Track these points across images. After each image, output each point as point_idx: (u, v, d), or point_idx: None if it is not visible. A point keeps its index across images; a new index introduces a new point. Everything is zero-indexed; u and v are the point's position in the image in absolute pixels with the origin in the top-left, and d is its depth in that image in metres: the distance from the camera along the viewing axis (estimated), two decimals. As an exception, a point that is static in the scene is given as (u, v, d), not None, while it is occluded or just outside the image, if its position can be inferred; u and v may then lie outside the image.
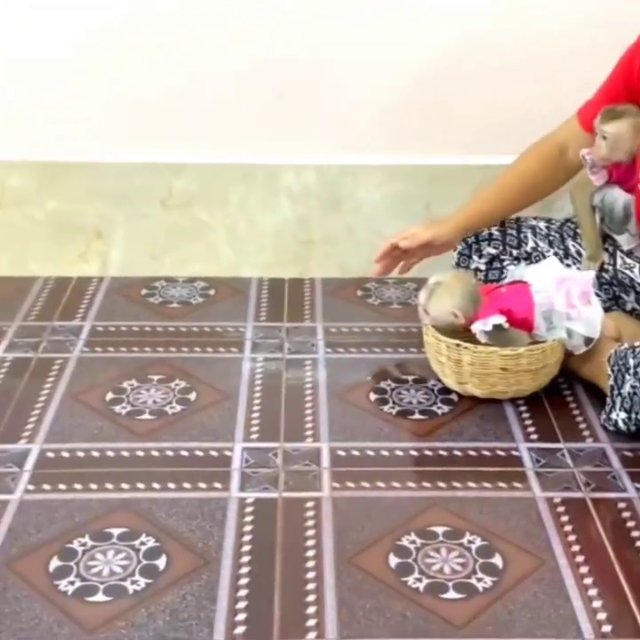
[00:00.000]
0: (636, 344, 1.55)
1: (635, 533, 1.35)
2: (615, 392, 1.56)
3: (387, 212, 2.07)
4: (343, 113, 2.02)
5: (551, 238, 1.82)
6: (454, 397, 1.67)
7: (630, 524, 1.37)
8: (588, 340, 1.64)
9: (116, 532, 1.33)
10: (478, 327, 1.63)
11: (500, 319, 1.61)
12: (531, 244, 1.83)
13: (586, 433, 1.58)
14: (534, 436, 1.57)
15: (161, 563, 1.27)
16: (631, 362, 1.53)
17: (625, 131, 1.64)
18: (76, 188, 2.04)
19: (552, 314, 1.63)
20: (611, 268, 1.76)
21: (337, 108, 2.02)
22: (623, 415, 1.55)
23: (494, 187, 1.83)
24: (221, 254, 2.11)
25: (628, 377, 1.53)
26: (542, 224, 1.85)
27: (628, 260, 1.75)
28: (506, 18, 1.94)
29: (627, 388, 1.53)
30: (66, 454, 1.49)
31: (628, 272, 1.74)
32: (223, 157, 2.04)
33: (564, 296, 1.64)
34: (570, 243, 1.81)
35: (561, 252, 1.79)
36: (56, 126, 2.01)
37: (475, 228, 1.81)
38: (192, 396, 1.66)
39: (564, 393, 1.69)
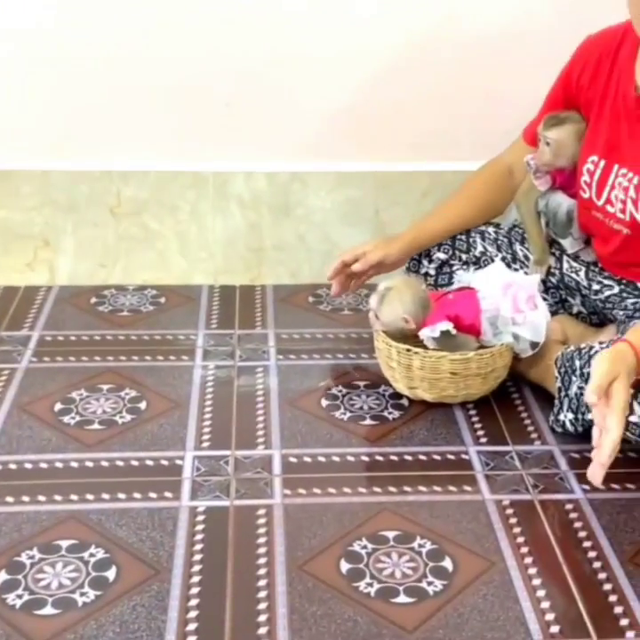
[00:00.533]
0: (582, 346, 1.57)
1: (582, 534, 1.37)
2: (562, 394, 1.58)
3: (337, 219, 2.08)
4: (292, 119, 2.02)
5: (499, 243, 1.84)
6: (405, 402, 1.68)
7: (577, 524, 1.39)
8: (533, 345, 1.66)
9: (64, 544, 1.31)
10: (426, 333, 1.64)
11: (448, 325, 1.63)
12: (479, 248, 1.85)
13: (534, 435, 1.60)
14: (483, 440, 1.58)
15: (111, 574, 1.27)
16: (577, 363, 1.55)
17: (567, 137, 1.67)
18: (23, 195, 2.02)
19: (498, 319, 1.65)
20: (557, 271, 1.79)
21: (286, 114, 2.02)
22: (570, 416, 1.57)
23: (444, 207, 1.86)
24: (172, 262, 2.10)
25: (574, 378, 1.55)
26: (491, 229, 1.87)
27: (574, 264, 1.78)
28: (454, 25, 1.96)
29: (573, 390, 1.55)
30: (13, 466, 1.48)
31: (573, 275, 1.77)
32: (173, 165, 2.03)
33: (510, 301, 1.66)
34: (517, 247, 1.83)
35: (509, 257, 1.82)
36: (1, 134, 1.99)
37: (424, 246, 1.84)
38: (142, 405, 1.65)
39: (513, 396, 1.71)
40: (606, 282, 1.72)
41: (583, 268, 1.76)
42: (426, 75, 2.00)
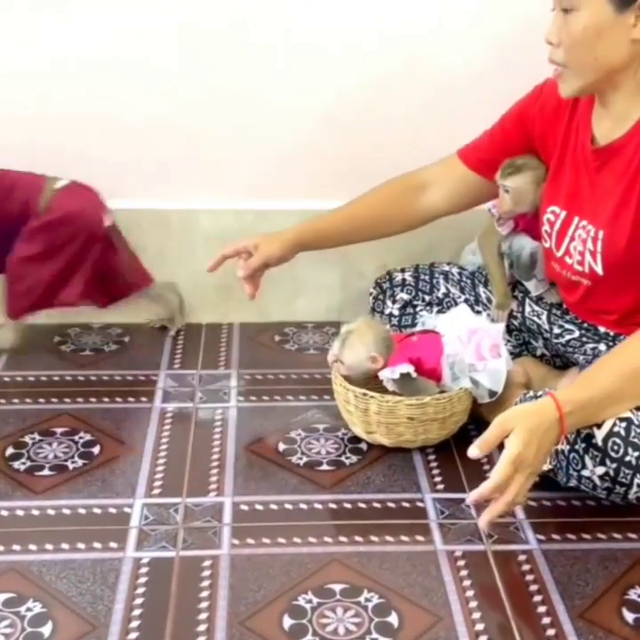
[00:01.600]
0: (539, 392, 1.54)
1: (533, 587, 1.33)
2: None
3: (304, 256, 2.05)
4: (257, 157, 2.01)
5: (463, 284, 1.82)
6: (363, 447, 1.66)
7: (529, 577, 1.35)
8: (491, 393, 1.64)
9: (1, 597, 1.29)
10: (386, 375, 1.62)
11: (408, 368, 1.60)
12: (442, 289, 1.83)
13: (493, 482, 1.57)
14: (440, 486, 1.56)
15: (46, 630, 1.23)
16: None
17: (525, 184, 1.65)
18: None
19: (457, 365, 1.63)
20: (519, 314, 1.77)
21: (251, 152, 2.01)
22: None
23: (338, 211, 1.82)
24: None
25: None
26: (455, 270, 1.85)
27: (536, 308, 1.75)
28: (415, 67, 1.96)
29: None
30: (-42, 514, 1.46)
31: (535, 319, 1.75)
32: (137, 203, 2.02)
33: (473, 348, 1.64)
34: (481, 289, 1.81)
35: (472, 299, 1.80)
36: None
37: (309, 246, 1.80)
38: (96, 450, 1.63)
39: (474, 440, 1.68)
40: (567, 325, 1.70)
41: (545, 312, 1.74)
42: (388, 114, 2.00)
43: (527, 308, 1.76)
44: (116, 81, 1.94)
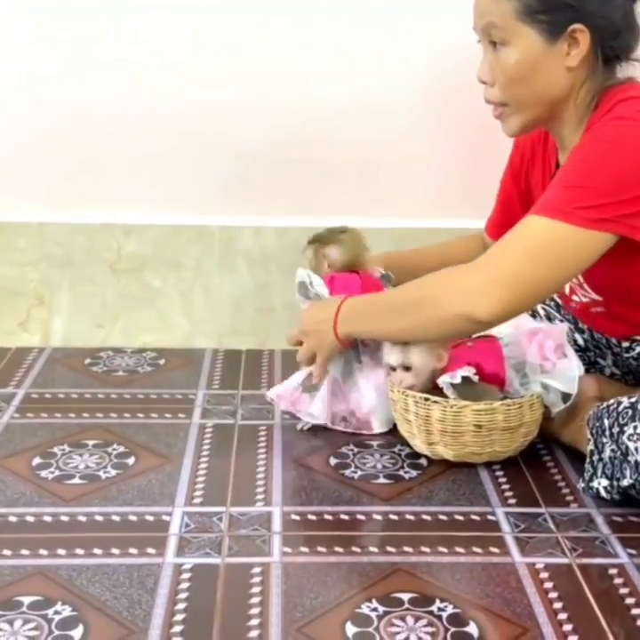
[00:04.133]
0: (611, 402, 1.40)
1: (629, 600, 1.17)
2: (595, 457, 1.40)
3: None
4: (304, 173, 1.92)
5: None
6: (423, 462, 1.51)
7: (623, 590, 1.19)
8: (565, 396, 1.49)
9: (26, 600, 1.13)
10: (445, 380, 1.48)
11: (469, 371, 1.47)
12: None
13: (569, 498, 1.41)
14: (512, 501, 1.40)
15: (76, 633, 1.08)
16: (606, 422, 1.37)
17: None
18: (16, 249, 1.91)
19: (525, 366, 1.49)
20: (586, 329, 1.63)
21: (297, 168, 1.92)
22: (605, 482, 1.38)
23: (427, 247, 1.78)
24: (174, 323, 1.97)
25: (604, 439, 1.37)
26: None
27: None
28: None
29: (607, 453, 1.37)
30: (-21, 519, 1.31)
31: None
32: (177, 218, 1.93)
33: (536, 348, 1.51)
34: (539, 306, 1.69)
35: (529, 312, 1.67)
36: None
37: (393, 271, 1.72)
38: (130, 461, 1.49)
39: (544, 458, 1.53)
40: (636, 336, 1.57)
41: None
42: (438, 132, 1.92)
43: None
44: (160, 99, 1.88)
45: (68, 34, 1.85)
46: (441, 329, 1.41)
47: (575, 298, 1.55)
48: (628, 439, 1.32)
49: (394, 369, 1.51)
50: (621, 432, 1.34)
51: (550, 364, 1.49)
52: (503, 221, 1.64)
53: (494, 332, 1.55)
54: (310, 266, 1.68)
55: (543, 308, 1.69)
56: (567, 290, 1.55)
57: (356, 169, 1.93)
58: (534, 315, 1.67)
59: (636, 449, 1.31)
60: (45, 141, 1.88)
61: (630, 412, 1.34)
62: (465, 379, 1.46)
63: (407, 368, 1.49)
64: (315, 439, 1.59)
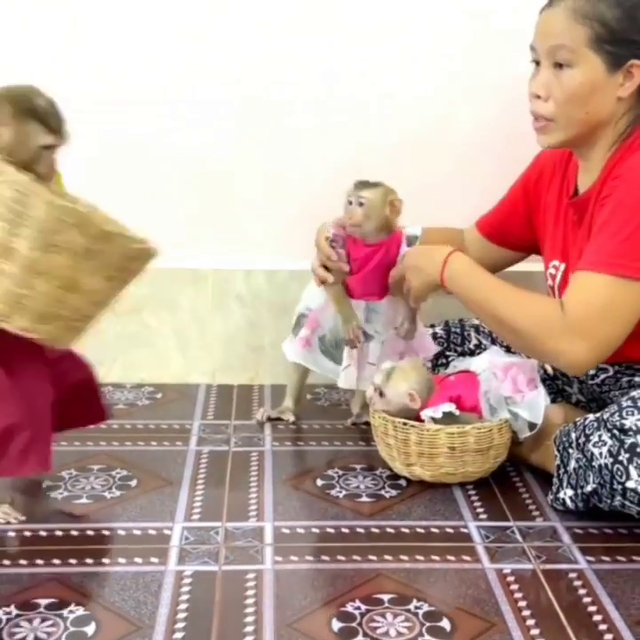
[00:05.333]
0: (578, 419, 1.54)
1: (586, 599, 1.30)
2: (562, 471, 1.54)
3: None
4: (291, 219, 2.07)
5: (494, 335, 1.84)
6: (403, 483, 1.64)
7: (582, 591, 1.32)
8: (531, 425, 1.63)
9: (43, 602, 1.26)
10: (428, 414, 1.61)
11: (451, 406, 1.61)
12: (474, 340, 1.85)
13: (535, 513, 1.55)
14: (483, 516, 1.53)
15: (90, 629, 1.20)
16: (573, 435, 1.52)
17: (380, 197, 1.70)
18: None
19: (499, 399, 1.63)
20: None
21: (284, 213, 2.07)
22: (570, 492, 1.52)
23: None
24: (170, 360, 2.10)
25: (571, 451, 1.52)
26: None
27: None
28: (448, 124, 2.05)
29: (572, 465, 1.52)
30: (-5, 533, 1.43)
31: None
32: (173, 262, 2.06)
33: (510, 383, 1.65)
34: None
35: (503, 349, 1.81)
36: None
37: None
38: (133, 483, 1.61)
39: (513, 479, 1.67)
40: (601, 365, 1.71)
41: None
42: (420, 171, 2.06)
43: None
44: (152, 140, 2.02)
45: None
46: (527, 351, 1.61)
47: None
48: (594, 446, 1.47)
49: (374, 388, 1.65)
50: (587, 441, 1.48)
51: (520, 396, 1.63)
52: (499, 224, 1.83)
53: (473, 366, 1.70)
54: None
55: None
56: None
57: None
58: (509, 350, 1.80)
59: (600, 454, 1.45)
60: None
61: (596, 424, 1.49)
62: (446, 413, 1.60)
63: (381, 393, 1.63)
64: (302, 464, 1.72)
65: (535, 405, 1.64)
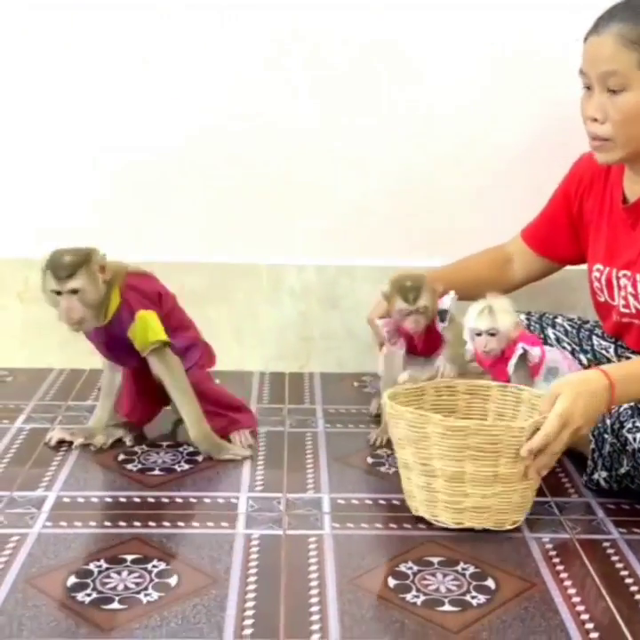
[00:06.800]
0: (613, 407, 1.66)
1: (619, 565, 1.43)
2: (596, 454, 1.67)
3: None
4: (341, 218, 2.21)
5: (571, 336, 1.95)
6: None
7: (615, 558, 1.45)
8: None
9: (129, 557, 1.41)
10: (526, 348, 1.69)
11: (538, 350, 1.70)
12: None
13: (571, 490, 1.68)
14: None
15: (172, 581, 1.35)
16: (608, 422, 1.64)
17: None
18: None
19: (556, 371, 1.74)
20: (589, 348, 1.90)
21: (335, 213, 2.21)
22: (604, 474, 1.65)
23: (448, 266, 2.01)
24: (228, 349, 2.24)
25: (606, 436, 1.64)
26: (522, 316, 1.99)
27: (604, 342, 1.88)
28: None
29: (606, 448, 1.64)
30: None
31: (604, 352, 1.87)
32: (231, 257, 2.22)
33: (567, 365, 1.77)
34: (550, 331, 1.94)
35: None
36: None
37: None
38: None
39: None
40: (635, 357, 1.83)
41: (612, 345, 1.88)
42: (457, 183, 2.21)
43: (595, 343, 1.89)
44: (210, 142, 2.17)
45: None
46: None
47: (621, 308, 1.77)
48: (628, 432, 1.60)
49: (479, 334, 1.69)
50: (621, 427, 1.61)
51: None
52: (545, 236, 1.95)
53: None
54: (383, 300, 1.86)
55: (554, 333, 1.95)
56: (621, 296, 1.76)
57: (389, 214, 2.23)
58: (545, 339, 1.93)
59: (634, 439, 1.58)
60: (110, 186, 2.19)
61: (630, 411, 1.62)
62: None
63: (492, 334, 1.70)
64: (353, 443, 1.86)
65: None
